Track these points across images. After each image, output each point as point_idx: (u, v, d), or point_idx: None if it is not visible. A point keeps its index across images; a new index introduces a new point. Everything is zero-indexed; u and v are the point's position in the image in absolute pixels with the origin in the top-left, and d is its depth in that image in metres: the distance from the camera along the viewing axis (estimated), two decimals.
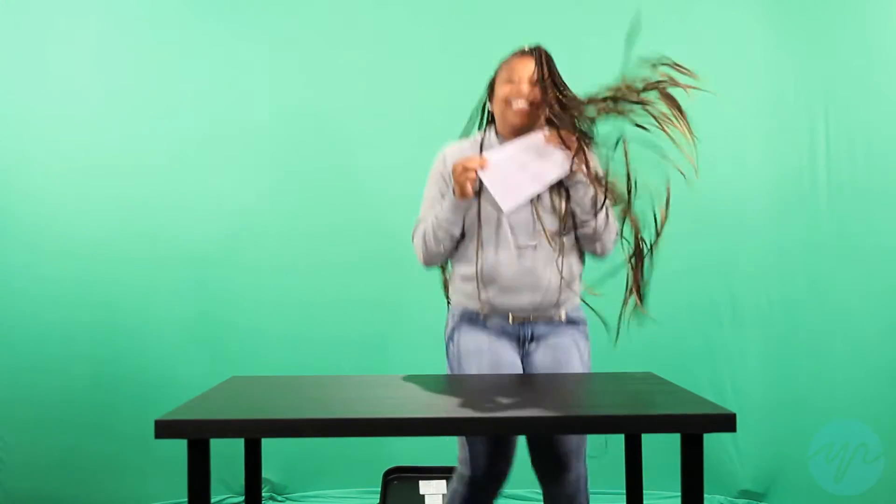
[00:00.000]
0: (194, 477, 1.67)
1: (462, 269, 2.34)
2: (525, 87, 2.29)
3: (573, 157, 2.24)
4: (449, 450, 2.46)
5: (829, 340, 3.27)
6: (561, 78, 2.32)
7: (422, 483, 3.16)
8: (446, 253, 2.35)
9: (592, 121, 2.31)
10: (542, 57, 2.30)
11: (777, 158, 3.50)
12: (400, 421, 1.73)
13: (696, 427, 1.69)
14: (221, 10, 3.57)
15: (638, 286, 2.40)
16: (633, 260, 2.41)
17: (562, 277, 2.30)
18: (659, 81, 2.31)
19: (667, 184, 2.32)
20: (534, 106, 2.28)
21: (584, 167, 2.26)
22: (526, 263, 2.27)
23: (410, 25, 3.61)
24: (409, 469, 3.19)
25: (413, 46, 3.59)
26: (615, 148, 2.32)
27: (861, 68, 3.23)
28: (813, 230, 3.37)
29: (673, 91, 2.35)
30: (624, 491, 2.30)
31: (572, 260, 2.34)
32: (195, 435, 1.66)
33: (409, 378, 2.25)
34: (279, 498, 3.57)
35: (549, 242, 2.28)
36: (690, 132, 2.29)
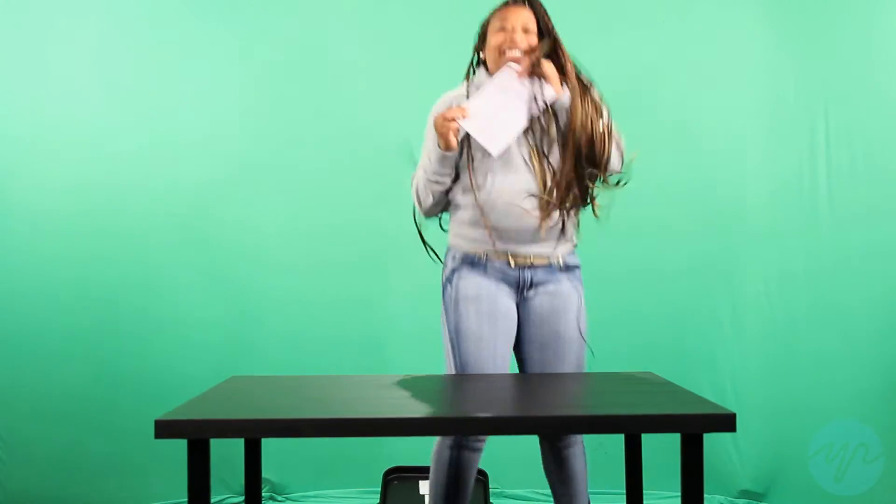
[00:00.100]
0: (194, 477, 1.67)
1: (463, 214, 2.35)
2: (519, 37, 2.30)
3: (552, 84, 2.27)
4: None
5: (829, 341, 3.26)
6: (553, 28, 2.35)
7: (422, 483, 3.16)
8: (440, 203, 2.40)
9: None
10: (536, 5, 2.33)
11: (777, 158, 3.50)
12: (400, 421, 1.73)
13: (696, 427, 1.69)
14: (221, 10, 3.57)
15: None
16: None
17: (565, 213, 2.31)
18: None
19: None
20: (528, 55, 2.29)
21: (565, 86, 2.28)
22: (530, 202, 2.28)
23: (410, 25, 3.61)
24: (409, 469, 3.18)
25: (413, 46, 3.59)
26: None
27: (861, 68, 3.23)
28: (813, 230, 3.37)
29: None
30: (624, 491, 2.30)
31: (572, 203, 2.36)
32: (195, 435, 1.66)
33: (409, 378, 2.25)
34: (279, 498, 3.57)
35: (553, 178, 2.29)
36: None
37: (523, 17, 2.32)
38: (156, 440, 1.67)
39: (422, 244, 2.50)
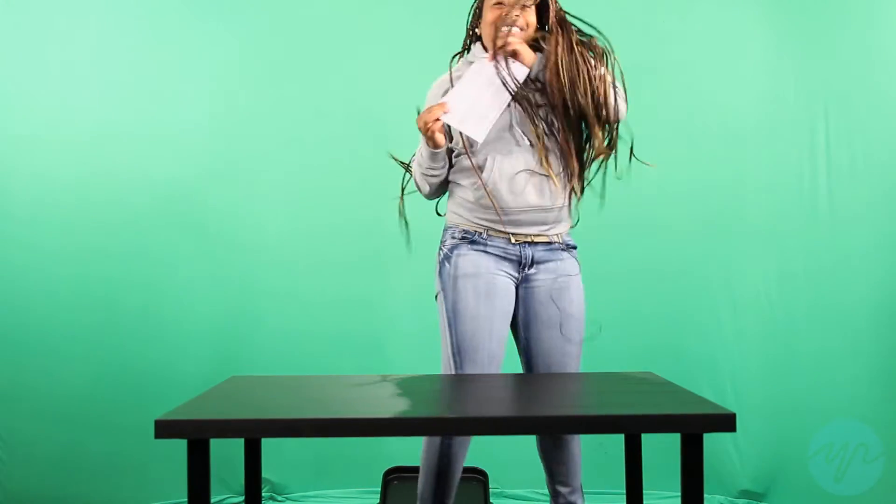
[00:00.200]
0: (194, 477, 1.67)
1: (464, 193, 2.36)
2: (515, 12, 2.29)
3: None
4: None
5: (829, 341, 3.26)
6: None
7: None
8: (439, 190, 2.44)
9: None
10: None
11: (777, 158, 3.50)
12: (400, 421, 1.73)
13: (696, 427, 1.69)
14: (221, 9, 3.57)
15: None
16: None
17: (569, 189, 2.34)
18: None
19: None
20: (524, 31, 2.30)
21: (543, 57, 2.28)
22: (531, 180, 2.30)
23: (410, 25, 3.61)
24: (409, 469, 3.18)
25: (413, 46, 3.59)
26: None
27: (861, 68, 3.23)
28: (813, 230, 3.37)
29: None
30: (624, 491, 2.30)
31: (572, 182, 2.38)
32: (195, 435, 1.66)
33: (409, 378, 2.25)
34: (279, 498, 3.57)
35: (552, 155, 2.31)
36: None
37: None
38: (156, 440, 1.67)
39: (403, 219, 2.54)
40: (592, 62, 2.29)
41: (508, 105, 2.29)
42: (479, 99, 2.27)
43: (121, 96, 3.50)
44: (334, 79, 3.61)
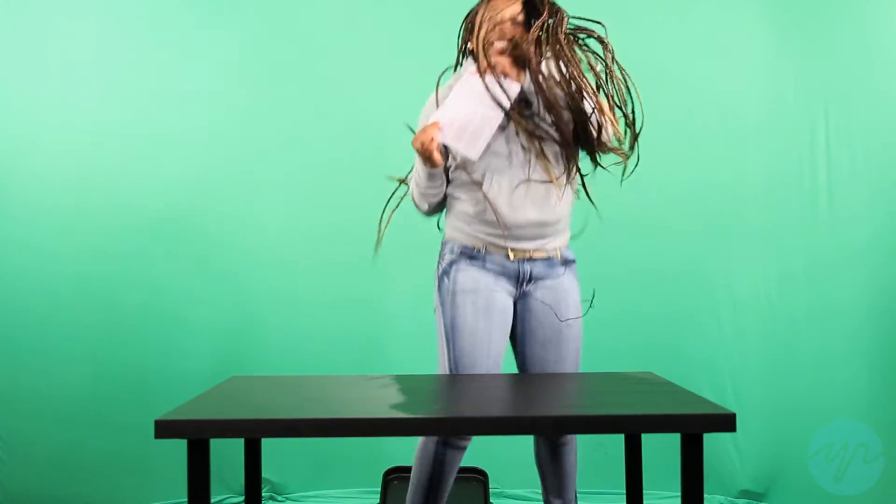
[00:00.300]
0: (194, 477, 1.67)
1: (463, 207, 2.35)
2: (508, 27, 2.27)
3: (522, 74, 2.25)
4: None
5: (829, 341, 3.26)
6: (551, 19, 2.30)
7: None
8: (437, 208, 2.43)
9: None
10: None
11: (777, 158, 3.50)
12: (400, 421, 1.73)
13: (696, 427, 1.69)
14: (221, 9, 3.57)
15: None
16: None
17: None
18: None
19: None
20: (518, 47, 2.25)
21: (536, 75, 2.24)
22: (529, 194, 2.29)
23: (410, 25, 3.61)
24: (409, 469, 3.17)
25: (413, 46, 3.59)
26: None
27: (861, 68, 3.23)
28: (813, 230, 3.37)
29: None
30: (624, 491, 2.30)
31: (569, 195, 2.37)
32: (195, 435, 1.66)
33: (409, 378, 2.25)
34: (279, 498, 3.57)
35: (550, 169, 2.29)
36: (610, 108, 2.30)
37: (514, 9, 2.29)
38: (156, 440, 1.67)
39: (381, 232, 2.53)
40: (585, 83, 2.25)
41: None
42: (472, 116, 2.23)
43: (120, 97, 3.50)
44: (334, 79, 3.61)
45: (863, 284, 3.17)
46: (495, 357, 2.32)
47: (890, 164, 3.13)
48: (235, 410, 1.82)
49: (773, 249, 3.50)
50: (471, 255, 2.33)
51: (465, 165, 2.31)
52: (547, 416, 1.76)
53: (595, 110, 2.27)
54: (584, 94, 2.24)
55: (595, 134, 2.30)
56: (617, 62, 2.33)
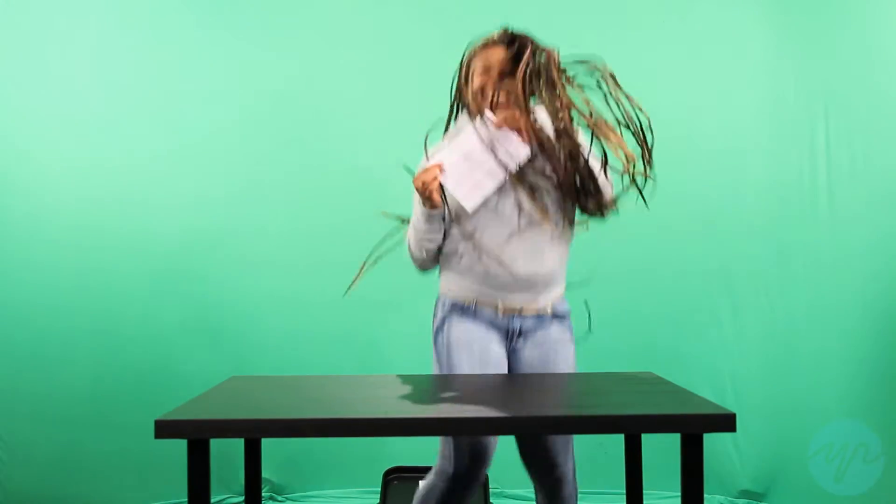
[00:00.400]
0: (194, 477, 1.67)
1: (452, 261, 2.34)
2: (500, 80, 2.24)
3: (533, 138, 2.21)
4: None
5: (829, 341, 3.26)
6: (535, 63, 2.25)
7: (422, 483, 3.16)
8: (434, 259, 2.38)
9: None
10: (514, 44, 2.26)
11: (777, 159, 3.50)
12: (400, 421, 1.73)
13: (696, 427, 1.69)
14: (221, 10, 3.58)
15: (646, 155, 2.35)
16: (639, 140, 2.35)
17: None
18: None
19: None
20: (511, 96, 2.23)
21: (548, 136, 2.22)
22: (521, 248, 2.26)
23: (410, 25, 3.62)
24: (409, 469, 3.18)
25: (413, 46, 3.59)
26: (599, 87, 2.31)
27: (861, 68, 3.23)
28: (812, 230, 3.37)
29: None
30: (624, 491, 2.30)
31: (562, 248, 2.34)
32: (195, 435, 1.66)
33: (409, 378, 2.25)
34: (279, 498, 3.57)
35: (544, 222, 2.26)
36: (629, 159, 2.28)
37: (504, 59, 2.25)
38: (156, 440, 1.67)
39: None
40: (581, 144, 2.24)
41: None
42: (477, 167, 2.21)
43: (120, 97, 3.50)
44: (335, 79, 3.61)
45: (862, 284, 3.17)
46: None
47: (890, 163, 3.13)
48: (235, 410, 1.82)
49: (773, 250, 3.50)
50: (461, 308, 2.33)
51: (457, 215, 2.29)
52: (547, 416, 1.76)
53: (590, 154, 2.24)
54: (573, 137, 2.21)
55: (592, 179, 2.26)
56: (620, 88, 2.30)
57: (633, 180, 2.33)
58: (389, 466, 3.20)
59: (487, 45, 2.30)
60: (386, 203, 3.48)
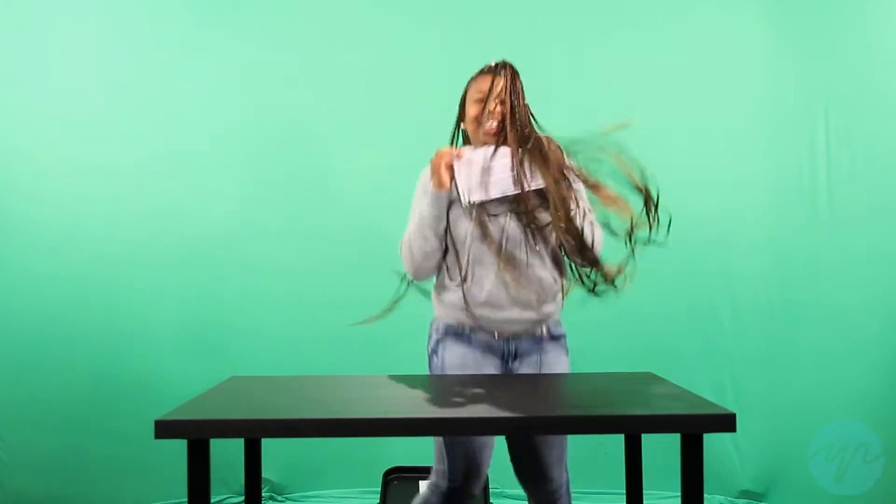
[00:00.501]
0: (194, 477, 1.67)
1: (447, 284, 2.34)
2: (492, 106, 2.27)
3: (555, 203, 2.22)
4: None
5: (829, 340, 3.27)
6: (524, 97, 2.29)
7: (422, 483, 3.15)
8: (432, 259, 2.34)
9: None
10: (508, 74, 2.27)
11: (777, 159, 3.50)
12: (400, 421, 1.73)
13: (696, 427, 1.69)
14: (221, 10, 3.58)
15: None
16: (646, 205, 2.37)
17: (558, 278, 2.30)
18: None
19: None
20: (503, 124, 2.25)
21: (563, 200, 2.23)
22: (515, 273, 2.25)
23: (410, 25, 3.62)
24: (409, 469, 3.18)
25: (413, 46, 3.59)
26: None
27: (861, 68, 3.23)
28: (812, 230, 3.37)
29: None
30: (624, 491, 2.30)
31: (556, 273, 2.34)
32: (195, 435, 1.66)
33: (409, 378, 2.25)
34: (279, 498, 3.57)
35: (535, 253, 2.27)
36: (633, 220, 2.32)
37: (498, 87, 2.27)
38: (156, 440, 1.67)
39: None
40: (575, 194, 2.25)
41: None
42: (493, 172, 2.23)
43: (120, 97, 3.50)
44: (335, 79, 3.61)
45: (862, 284, 3.17)
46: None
47: (890, 164, 3.13)
48: (235, 410, 1.82)
49: (773, 249, 3.50)
50: (456, 332, 2.33)
51: (453, 240, 2.29)
52: (547, 416, 1.76)
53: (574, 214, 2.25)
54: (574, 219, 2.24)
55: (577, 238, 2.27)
56: (628, 162, 2.32)
57: (632, 240, 2.35)
58: (389, 466, 3.20)
59: (483, 73, 2.33)
60: (386, 203, 3.48)
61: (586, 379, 2.22)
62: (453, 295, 2.32)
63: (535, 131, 2.28)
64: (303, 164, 3.61)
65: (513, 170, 2.21)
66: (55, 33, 3.47)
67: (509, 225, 2.27)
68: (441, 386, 2.17)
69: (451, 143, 2.43)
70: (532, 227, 2.26)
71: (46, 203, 3.45)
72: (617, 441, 2.46)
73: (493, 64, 2.32)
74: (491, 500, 3.22)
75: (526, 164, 2.22)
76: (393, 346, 3.56)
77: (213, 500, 3.37)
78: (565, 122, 2.28)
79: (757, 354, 3.52)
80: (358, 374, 2.34)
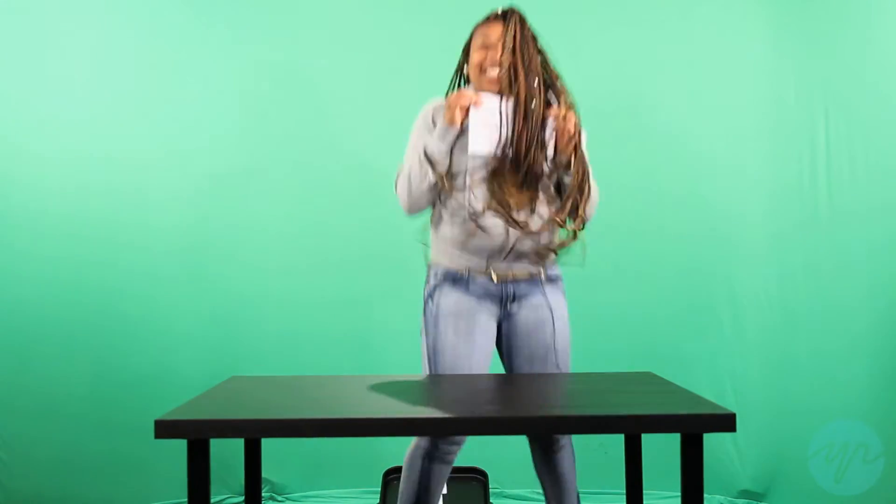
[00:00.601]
0: (194, 477, 1.67)
1: (445, 230, 2.35)
2: (498, 54, 2.29)
3: (567, 146, 2.27)
4: None
5: (830, 340, 3.26)
6: (535, 42, 2.31)
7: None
8: (430, 193, 2.35)
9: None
10: (514, 20, 2.29)
11: (777, 159, 3.50)
12: (400, 421, 1.73)
13: (696, 427, 1.69)
14: (221, 10, 3.57)
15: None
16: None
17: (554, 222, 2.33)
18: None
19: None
20: (508, 72, 2.27)
21: (572, 151, 2.28)
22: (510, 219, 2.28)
23: (410, 25, 3.62)
24: None
25: (413, 46, 3.59)
26: None
27: (861, 68, 3.22)
28: (813, 230, 3.37)
29: None
30: (624, 491, 2.30)
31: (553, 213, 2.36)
32: (195, 435, 1.66)
33: (409, 378, 2.25)
34: (279, 498, 3.57)
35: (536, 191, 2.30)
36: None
37: (505, 35, 2.29)
38: (156, 440, 1.67)
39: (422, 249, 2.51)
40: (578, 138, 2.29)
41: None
42: (501, 126, 2.26)
43: (120, 98, 3.50)
44: (334, 78, 3.61)
45: (862, 284, 3.17)
46: None
47: (890, 164, 3.13)
48: (235, 410, 1.82)
49: (773, 249, 3.50)
50: (454, 278, 2.35)
51: (452, 176, 2.31)
52: (547, 417, 1.76)
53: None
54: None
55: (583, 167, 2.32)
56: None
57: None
58: (389, 466, 3.20)
59: (489, 20, 2.35)
60: (386, 203, 3.48)
61: (586, 379, 2.22)
62: (450, 239, 2.34)
63: (545, 82, 2.30)
64: (303, 163, 3.61)
65: (515, 123, 2.23)
66: (55, 33, 3.46)
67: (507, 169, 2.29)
68: (441, 386, 2.17)
69: (450, 90, 2.45)
70: (529, 173, 2.28)
71: (47, 205, 3.43)
72: (617, 441, 2.46)
73: (499, 11, 2.33)
74: (491, 501, 3.22)
75: (530, 118, 2.24)
76: (392, 346, 3.56)
77: (213, 500, 3.38)
78: None
79: (757, 354, 3.52)
80: (358, 374, 2.34)
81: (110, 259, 3.47)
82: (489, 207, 2.27)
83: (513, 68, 2.26)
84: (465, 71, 2.42)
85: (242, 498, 3.48)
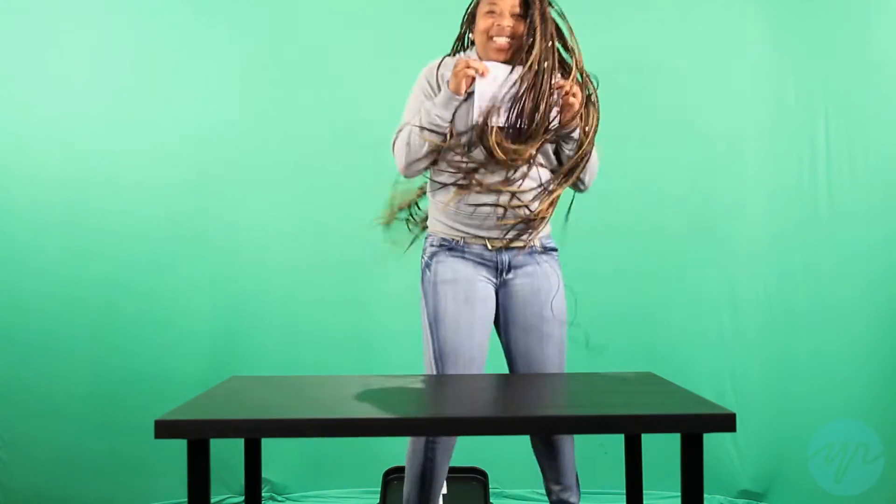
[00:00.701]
0: (194, 477, 1.67)
1: (441, 196, 2.37)
2: (507, 21, 2.29)
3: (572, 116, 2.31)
4: None
5: (830, 340, 3.26)
6: (546, 12, 2.32)
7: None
8: (428, 157, 2.36)
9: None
10: None
11: (777, 159, 3.50)
12: (400, 421, 1.73)
13: (696, 427, 1.69)
14: (221, 9, 3.57)
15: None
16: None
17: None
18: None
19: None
20: (515, 40, 2.28)
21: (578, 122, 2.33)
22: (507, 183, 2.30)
23: (410, 25, 3.61)
24: None
25: (413, 46, 3.59)
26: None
27: (861, 68, 3.22)
28: (813, 230, 3.37)
29: None
30: (624, 491, 2.30)
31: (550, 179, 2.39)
32: (195, 435, 1.66)
33: (409, 378, 2.25)
34: (279, 498, 3.57)
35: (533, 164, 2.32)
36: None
37: (511, 1, 2.30)
38: (156, 440, 1.67)
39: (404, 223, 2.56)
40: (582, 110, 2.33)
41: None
42: (507, 98, 2.26)
43: (120, 97, 3.49)
44: (334, 78, 3.61)
45: (863, 284, 3.17)
46: (478, 344, 2.35)
47: (890, 163, 3.13)
48: (235, 410, 1.82)
49: (773, 249, 3.50)
50: (450, 246, 2.37)
51: (451, 141, 2.32)
52: (547, 417, 1.76)
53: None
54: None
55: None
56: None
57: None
58: (389, 466, 3.20)
59: None
60: (384, 203, 3.48)
61: (586, 379, 2.23)
62: (446, 207, 2.35)
63: (557, 52, 2.33)
64: (302, 163, 3.60)
65: (521, 94, 2.24)
66: (55, 33, 3.45)
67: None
68: (441, 386, 2.17)
69: (451, 55, 2.47)
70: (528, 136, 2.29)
71: (48, 204, 3.41)
72: (617, 441, 2.46)
73: None
74: (491, 501, 3.22)
75: (536, 91, 2.25)
76: (392, 346, 3.56)
77: (213, 500, 3.37)
78: None
79: (757, 354, 3.52)
80: (358, 374, 2.34)
81: (110, 260, 3.47)
82: (485, 166, 2.29)
83: (524, 38, 2.27)
84: (465, 39, 2.43)
85: (242, 498, 3.48)
